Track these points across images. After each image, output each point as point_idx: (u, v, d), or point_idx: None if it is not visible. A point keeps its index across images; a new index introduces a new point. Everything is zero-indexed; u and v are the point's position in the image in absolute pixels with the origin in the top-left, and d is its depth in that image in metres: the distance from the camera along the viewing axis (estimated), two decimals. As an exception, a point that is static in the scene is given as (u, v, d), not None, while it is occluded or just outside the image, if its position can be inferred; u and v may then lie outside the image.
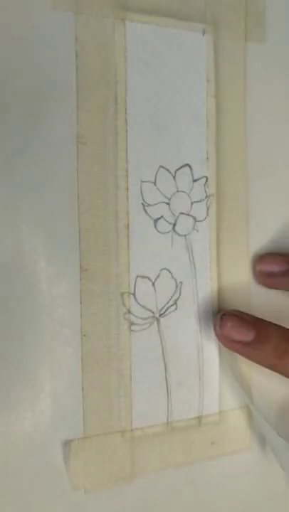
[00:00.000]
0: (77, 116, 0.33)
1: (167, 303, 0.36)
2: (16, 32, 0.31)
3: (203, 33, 0.36)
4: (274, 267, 0.37)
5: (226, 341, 0.34)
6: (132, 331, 0.35)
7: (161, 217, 0.35)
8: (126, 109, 0.34)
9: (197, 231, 0.36)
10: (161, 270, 0.35)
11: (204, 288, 0.37)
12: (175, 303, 0.36)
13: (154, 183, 0.35)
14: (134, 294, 0.35)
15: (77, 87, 0.33)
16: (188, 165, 0.36)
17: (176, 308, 0.36)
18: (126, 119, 0.34)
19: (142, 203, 0.35)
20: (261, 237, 0.39)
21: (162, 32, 0.35)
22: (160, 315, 0.35)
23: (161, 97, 0.35)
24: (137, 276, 0.35)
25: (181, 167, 0.36)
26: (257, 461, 0.39)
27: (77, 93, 0.33)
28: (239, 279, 0.38)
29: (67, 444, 0.33)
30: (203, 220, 0.37)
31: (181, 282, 0.36)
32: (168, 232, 0.36)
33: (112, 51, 0.34)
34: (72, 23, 0.32)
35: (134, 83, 0.34)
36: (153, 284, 0.35)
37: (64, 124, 0.32)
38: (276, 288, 0.38)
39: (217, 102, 0.37)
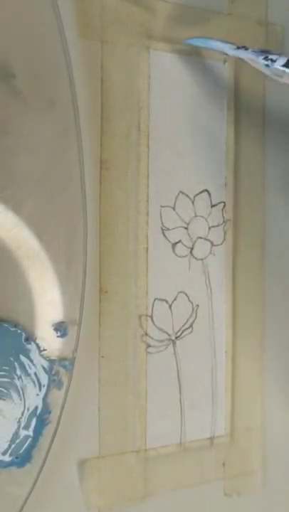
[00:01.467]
0: (101, 141, 0.34)
1: (183, 325, 0.36)
2: (44, 60, 0.32)
3: (225, 62, 0.37)
4: None
5: None
6: (149, 353, 0.35)
7: (180, 241, 0.36)
8: (148, 136, 0.35)
9: (214, 255, 0.37)
10: (178, 293, 0.36)
11: (219, 311, 0.37)
12: (191, 326, 0.36)
13: (174, 208, 0.36)
14: (151, 317, 0.35)
15: (101, 113, 0.34)
16: (206, 190, 0.37)
17: (191, 331, 0.36)
18: (148, 145, 0.35)
19: (161, 227, 0.35)
20: (276, 262, 0.39)
21: (185, 60, 0.36)
22: (176, 337, 0.36)
23: (182, 124, 0.36)
24: (155, 299, 0.35)
25: (200, 192, 0.37)
26: (268, 482, 0.39)
27: (102, 119, 0.34)
28: (254, 303, 0.38)
29: (82, 463, 0.34)
30: (220, 244, 0.37)
31: (197, 305, 0.37)
32: (185, 256, 0.36)
33: (136, 78, 0.34)
34: (98, 51, 0.33)
35: (156, 110, 0.35)
36: (170, 306, 0.36)
37: (89, 149, 0.33)
38: None
39: (236, 129, 0.37)
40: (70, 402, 0.33)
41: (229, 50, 0.33)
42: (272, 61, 0.30)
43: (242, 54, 0.32)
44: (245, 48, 0.32)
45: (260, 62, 0.31)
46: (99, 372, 0.34)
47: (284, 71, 0.30)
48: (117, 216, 0.34)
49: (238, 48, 0.32)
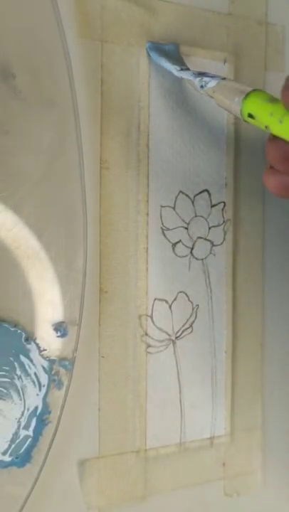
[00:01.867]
0: (101, 141, 0.33)
1: (183, 325, 0.36)
2: (44, 60, 0.32)
3: (224, 61, 0.37)
4: None
5: None
6: (149, 353, 0.35)
7: (180, 241, 0.36)
8: (148, 135, 0.35)
9: (214, 255, 0.37)
10: (178, 293, 0.36)
11: (220, 311, 0.37)
12: (191, 326, 0.36)
13: (174, 208, 0.36)
14: (151, 317, 0.35)
15: (101, 113, 0.34)
16: (206, 190, 0.37)
17: (192, 331, 0.36)
18: (148, 145, 0.35)
19: (162, 227, 0.35)
20: (277, 262, 0.39)
21: (185, 60, 0.36)
22: (176, 337, 0.36)
23: (183, 124, 0.36)
24: (155, 299, 0.35)
25: (200, 192, 0.36)
26: (268, 482, 0.39)
27: (102, 119, 0.34)
28: (254, 303, 0.38)
29: (82, 463, 0.34)
30: (220, 244, 0.37)
31: (197, 305, 0.37)
32: (186, 256, 0.36)
33: (136, 78, 0.34)
34: (98, 51, 0.33)
35: (156, 110, 0.35)
36: (170, 306, 0.36)
37: (89, 148, 0.33)
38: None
39: (236, 129, 0.37)
40: (70, 402, 0.33)
41: (174, 71, 0.34)
42: (206, 83, 0.32)
43: (184, 75, 0.33)
44: (188, 69, 0.34)
45: (196, 83, 0.32)
46: (99, 372, 0.34)
47: (213, 92, 0.31)
48: (117, 216, 0.34)
49: (182, 69, 0.34)
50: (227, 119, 0.37)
